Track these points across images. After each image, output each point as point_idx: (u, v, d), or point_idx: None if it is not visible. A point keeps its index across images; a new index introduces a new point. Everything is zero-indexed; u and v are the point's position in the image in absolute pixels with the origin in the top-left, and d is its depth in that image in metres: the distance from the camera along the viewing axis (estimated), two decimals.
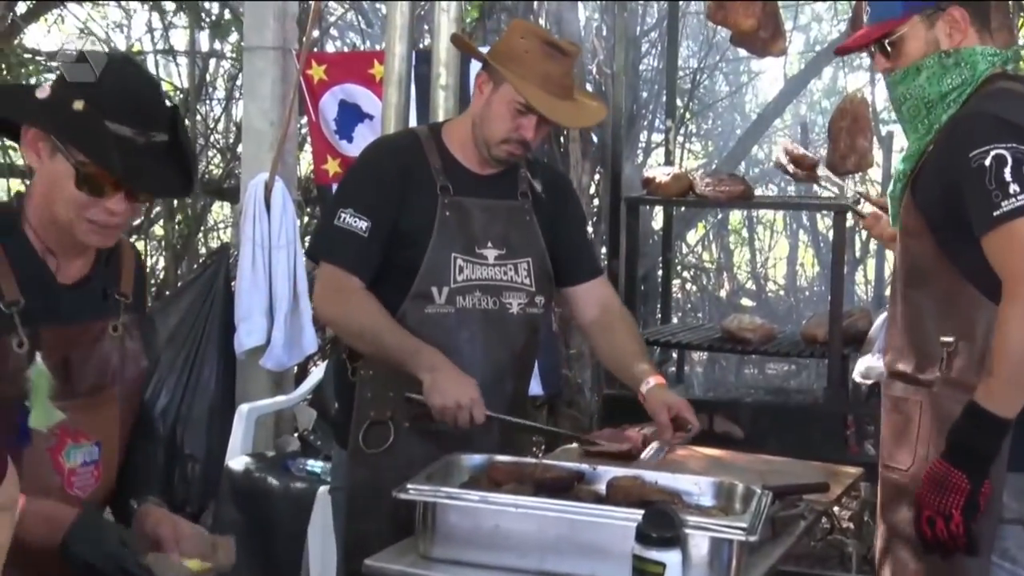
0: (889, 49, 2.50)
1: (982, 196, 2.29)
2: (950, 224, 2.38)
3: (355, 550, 2.65)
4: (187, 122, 6.63)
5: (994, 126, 2.32)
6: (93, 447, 2.12)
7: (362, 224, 2.75)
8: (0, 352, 1.98)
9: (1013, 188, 2.27)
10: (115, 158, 1.96)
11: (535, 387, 4.95)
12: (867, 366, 2.77)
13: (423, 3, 5.08)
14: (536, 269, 2.87)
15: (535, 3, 5.67)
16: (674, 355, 4.60)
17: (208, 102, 7.12)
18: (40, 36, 7.35)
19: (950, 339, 2.40)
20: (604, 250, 5.11)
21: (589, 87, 5.70)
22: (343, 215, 2.77)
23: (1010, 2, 3.73)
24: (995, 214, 2.27)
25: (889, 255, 5.90)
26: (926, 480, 2.36)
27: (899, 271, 2.55)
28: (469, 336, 2.78)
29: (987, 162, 2.29)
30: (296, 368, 5.50)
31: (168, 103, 2.13)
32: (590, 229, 5.71)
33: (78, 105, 1.97)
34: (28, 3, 6.93)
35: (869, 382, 2.70)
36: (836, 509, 4.95)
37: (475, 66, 4.55)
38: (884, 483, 2.57)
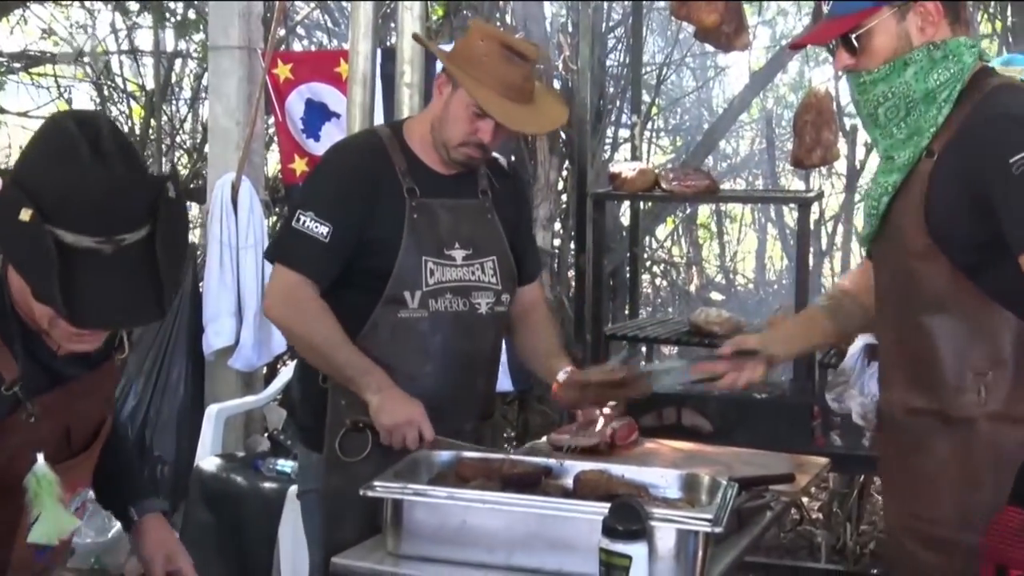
0: (855, 44, 2.27)
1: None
2: (976, 241, 2.16)
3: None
4: (152, 122, 6.62)
5: None
6: (87, 490, 2.14)
7: (323, 229, 2.70)
8: (14, 429, 1.94)
9: None
10: (55, 292, 1.70)
11: (505, 383, 4.97)
12: (861, 404, 2.59)
13: (388, 2, 5.08)
14: (501, 267, 2.86)
15: (501, 1, 5.68)
16: (643, 349, 4.62)
17: (174, 102, 7.08)
18: (2, 37, 7.30)
19: (982, 367, 2.19)
20: (572, 245, 5.14)
21: (556, 83, 5.71)
22: (303, 218, 2.71)
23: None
24: None
25: (855, 247, 5.93)
26: (1003, 534, 2.11)
27: (901, 297, 2.30)
28: (442, 339, 2.77)
29: None
30: (265, 368, 5.48)
31: (149, 190, 1.81)
32: (558, 226, 5.73)
33: (24, 215, 1.70)
34: None
35: (873, 423, 2.55)
36: (805, 500, 5.01)
37: (440, 64, 4.56)
38: (909, 535, 2.30)
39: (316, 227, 2.70)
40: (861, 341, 2.52)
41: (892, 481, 2.40)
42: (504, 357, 4.90)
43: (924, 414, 2.26)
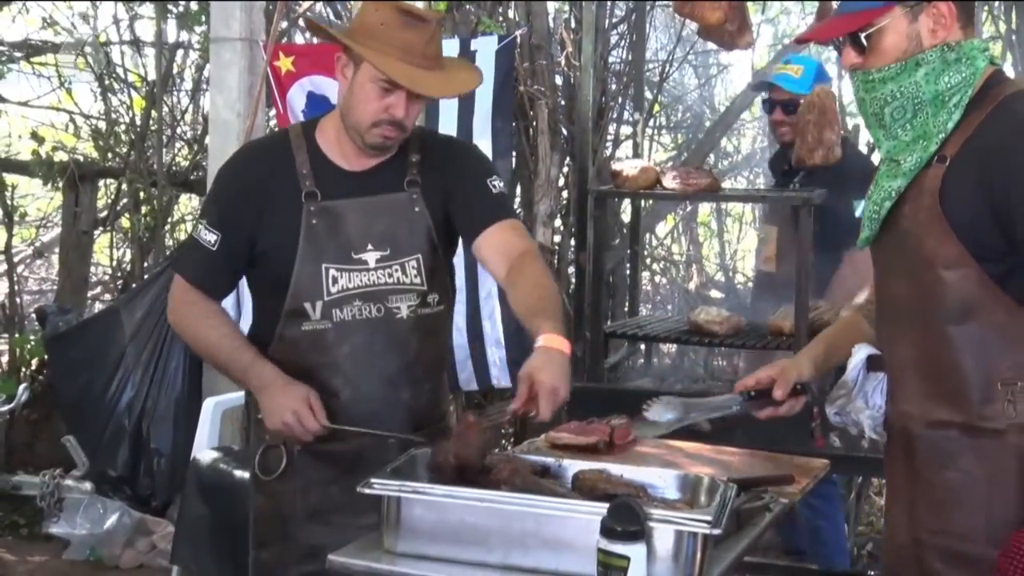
0: (865, 43, 2.24)
1: None
2: (998, 248, 2.13)
3: None
4: (153, 113, 6.60)
5: None
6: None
7: (211, 238, 2.62)
8: None
9: None
10: None
11: (503, 379, 4.97)
12: (872, 417, 2.46)
13: None
14: (427, 265, 2.66)
15: None
16: (642, 347, 4.61)
17: (175, 93, 7.06)
18: (4, 26, 7.28)
19: (1010, 377, 2.14)
20: (572, 242, 5.12)
21: (558, 79, 5.70)
22: (199, 226, 2.66)
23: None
24: None
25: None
26: (1018, 554, 2.07)
27: (921, 307, 2.24)
28: (349, 350, 2.61)
29: None
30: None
31: None
32: (558, 222, 5.72)
33: None
34: None
35: (884, 437, 2.45)
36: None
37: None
38: (931, 551, 2.25)
39: (206, 235, 2.63)
40: (862, 352, 2.44)
41: (907, 495, 2.34)
42: (502, 352, 4.95)
43: (947, 426, 2.21)
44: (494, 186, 2.71)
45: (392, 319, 2.63)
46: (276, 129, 5.46)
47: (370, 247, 2.63)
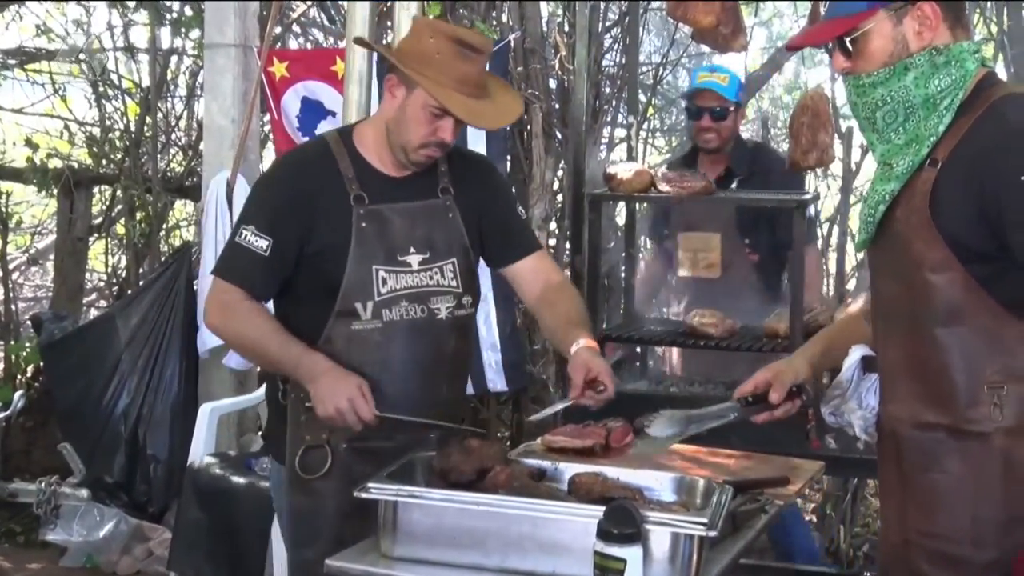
0: (850, 47, 2.24)
1: None
2: (987, 253, 2.13)
3: None
4: (148, 120, 6.60)
5: None
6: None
7: (262, 243, 2.67)
8: None
9: None
10: None
11: (499, 383, 4.97)
12: (862, 417, 2.47)
13: (385, 0, 5.07)
14: (462, 268, 2.80)
15: (497, 0, 5.67)
16: (638, 350, 4.61)
17: (169, 99, 7.06)
18: None
19: (997, 381, 2.15)
20: (567, 245, 5.13)
21: (552, 83, 5.70)
22: (245, 232, 2.69)
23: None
24: None
25: (850, 250, 5.93)
26: None
27: (910, 309, 2.24)
28: (399, 349, 2.71)
29: None
30: (259, 367, 5.47)
31: None
32: (553, 226, 5.72)
33: None
34: None
35: (874, 437, 2.46)
36: (800, 503, 5.01)
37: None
38: (919, 552, 2.25)
39: (256, 240, 2.67)
40: (857, 353, 2.43)
41: (897, 496, 2.35)
42: (499, 356, 4.96)
43: (935, 428, 2.22)
44: (520, 213, 2.94)
45: (433, 319, 2.75)
46: (271, 134, 5.47)
47: (413, 250, 2.74)
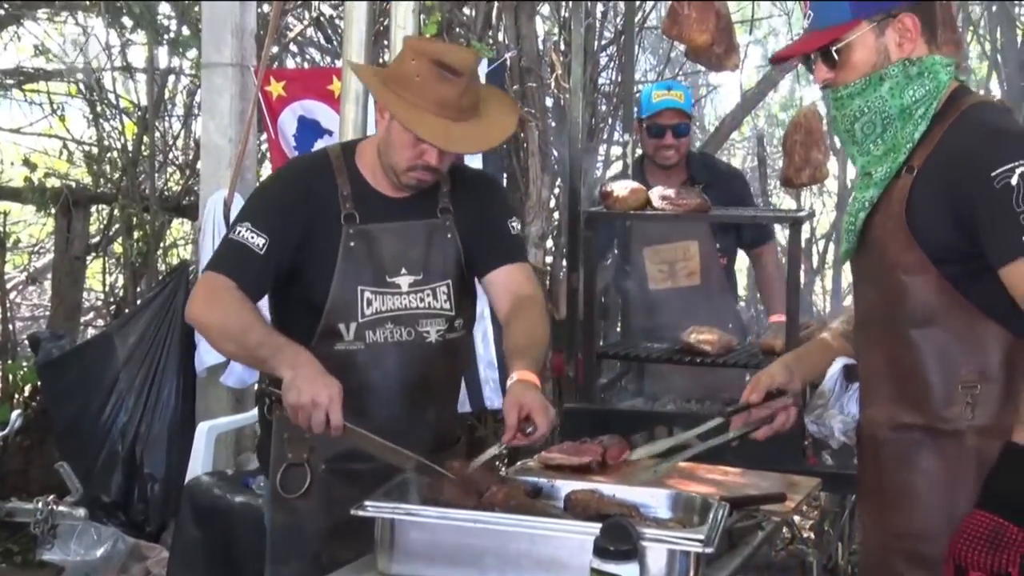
0: (836, 58, 2.28)
1: (1008, 220, 2.06)
2: (960, 255, 2.17)
3: None
4: (145, 139, 6.62)
5: (1017, 142, 2.13)
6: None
7: (259, 240, 2.61)
8: None
9: None
10: None
11: (497, 401, 4.97)
12: (843, 422, 2.48)
13: (381, 19, 5.09)
14: (456, 291, 2.75)
15: (493, 17, 5.69)
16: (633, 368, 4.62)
17: (167, 119, 7.08)
18: None
19: (971, 380, 2.19)
20: (564, 263, 5.13)
21: (549, 102, 5.72)
22: (240, 229, 2.64)
23: (958, 17, 3.77)
24: None
25: (847, 266, 5.95)
26: (967, 537, 2.12)
27: (886, 312, 2.29)
28: (382, 372, 2.66)
29: (1014, 181, 2.06)
30: (257, 386, 5.47)
31: None
32: (550, 243, 5.73)
33: None
34: None
35: (854, 441, 2.47)
36: (796, 519, 5.01)
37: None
38: (895, 553, 2.28)
39: (252, 237, 2.61)
40: (839, 363, 2.48)
41: (874, 499, 2.39)
42: (496, 374, 4.96)
43: (911, 429, 2.26)
44: (513, 227, 2.83)
45: (421, 342, 2.70)
46: (268, 153, 5.48)
47: (404, 271, 2.69)
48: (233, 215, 4.96)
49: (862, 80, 2.27)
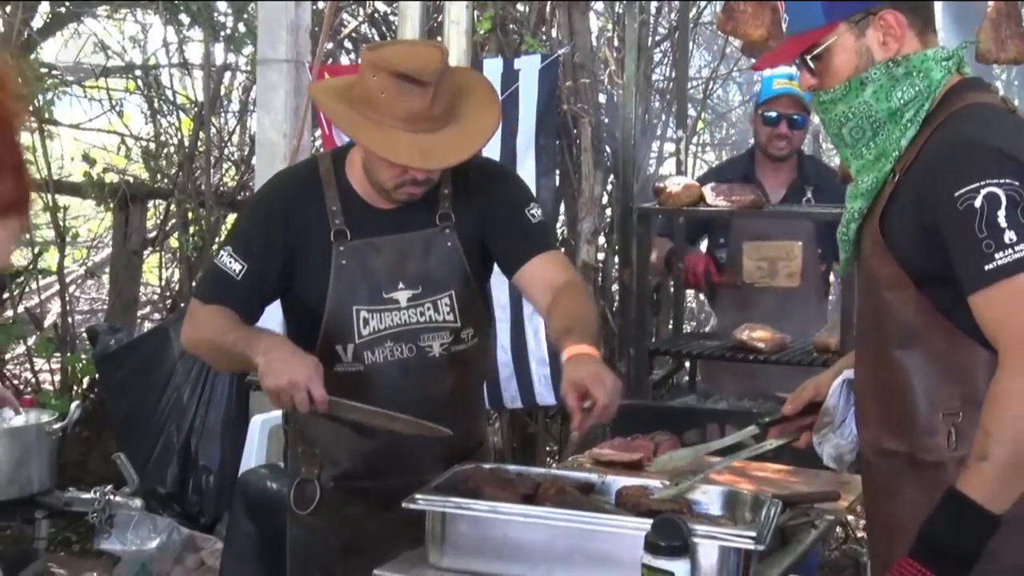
0: (813, 64, 2.12)
1: (971, 246, 1.89)
2: (934, 274, 1.99)
3: None
4: (201, 135, 6.69)
5: (985, 158, 1.93)
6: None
7: (235, 267, 2.51)
8: None
9: (1009, 236, 1.86)
10: None
11: (548, 397, 4.97)
12: (835, 446, 2.29)
13: (436, 15, 5.11)
14: (460, 300, 2.58)
15: (547, 14, 5.69)
16: (687, 365, 4.60)
17: (223, 115, 7.15)
18: (56, 50, 7.42)
19: (954, 408, 2.00)
20: (616, 259, 5.13)
21: (602, 97, 5.71)
22: (223, 254, 2.55)
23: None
24: (987, 268, 1.87)
25: None
26: None
27: (873, 329, 2.14)
28: (385, 392, 2.52)
29: (977, 203, 1.88)
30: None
31: None
32: (602, 240, 5.72)
33: None
34: (44, 17, 6.98)
35: (847, 465, 2.31)
36: (850, 518, 4.96)
37: (487, 70, 4.56)
38: None
39: (231, 264, 2.52)
40: (842, 376, 2.27)
41: (869, 525, 2.26)
42: (547, 370, 4.95)
43: (894, 456, 2.09)
44: (532, 215, 2.62)
45: (424, 357, 2.56)
46: (321, 150, 5.52)
47: (401, 286, 2.55)
48: None
49: (843, 85, 2.10)
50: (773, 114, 4.38)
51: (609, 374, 2.32)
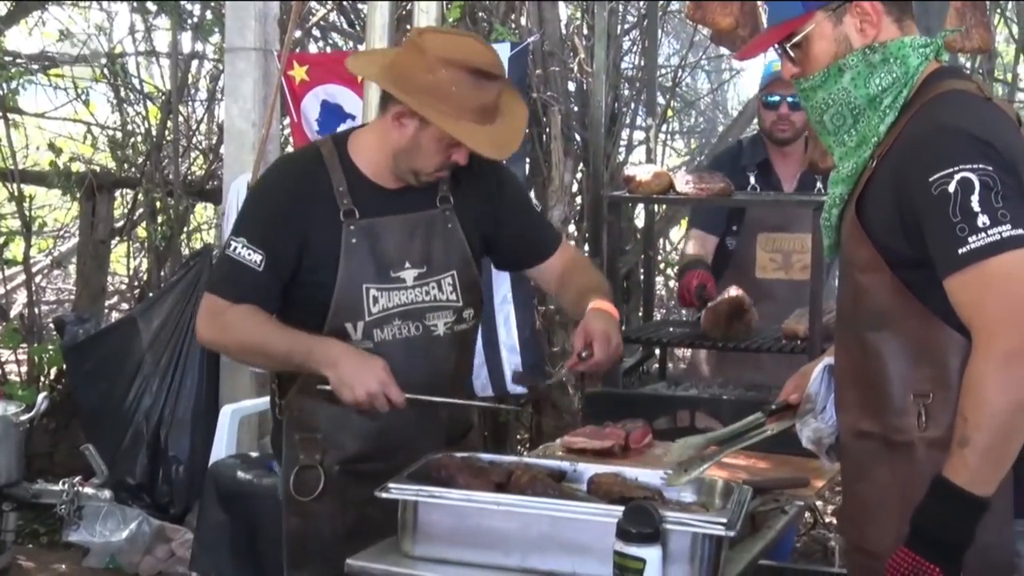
0: (793, 53, 2.16)
1: (945, 230, 1.92)
2: (912, 258, 2.02)
3: None
4: (169, 124, 6.64)
5: (959, 143, 1.96)
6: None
7: (255, 257, 2.54)
8: None
9: (982, 220, 1.90)
10: None
11: (519, 386, 4.98)
12: (814, 430, 2.32)
13: (404, 3, 5.09)
14: (462, 281, 2.67)
15: (516, 2, 5.68)
16: (656, 352, 4.62)
17: (190, 103, 7.11)
18: (21, 39, 7.34)
19: (924, 389, 2.02)
20: (586, 248, 5.13)
21: (571, 86, 5.71)
22: (235, 245, 2.57)
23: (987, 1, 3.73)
24: (961, 252, 1.91)
25: None
26: (891, 573, 1.96)
27: (850, 312, 2.16)
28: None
29: (951, 188, 1.92)
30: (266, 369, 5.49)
31: None
32: (572, 228, 5.73)
33: None
34: (8, 5, 6.91)
35: (825, 448, 2.34)
36: (819, 504, 5.01)
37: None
38: (856, 570, 2.19)
39: (249, 255, 2.55)
40: (824, 362, 2.32)
41: (844, 509, 2.28)
42: (518, 359, 4.96)
43: (869, 438, 2.11)
44: (536, 207, 2.74)
45: (429, 336, 2.64)
46: (290, 138, 5.49)
47: (408, 265, 2.63)
48: None
49: (821, 72, 2.14)
50: (774, 98, 4.37)
51: (617, 336, 2.60)
